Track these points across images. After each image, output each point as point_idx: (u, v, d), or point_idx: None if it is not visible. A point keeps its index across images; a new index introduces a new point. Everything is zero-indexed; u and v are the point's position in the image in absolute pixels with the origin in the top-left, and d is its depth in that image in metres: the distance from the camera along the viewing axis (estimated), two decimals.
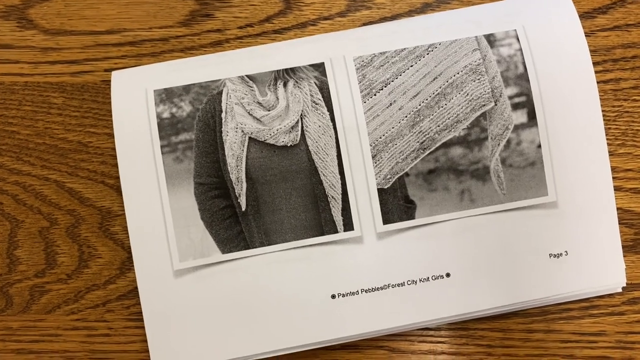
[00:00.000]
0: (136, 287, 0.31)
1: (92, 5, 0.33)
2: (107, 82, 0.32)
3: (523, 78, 0.29)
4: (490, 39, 0.30)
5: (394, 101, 0.29)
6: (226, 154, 0.29)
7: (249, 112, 0.29)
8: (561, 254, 0.29)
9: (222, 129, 0.29)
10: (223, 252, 0.29)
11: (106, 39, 0.33)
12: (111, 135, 0.32)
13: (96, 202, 0.32)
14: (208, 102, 0.29)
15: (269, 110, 0.29)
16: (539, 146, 0.30)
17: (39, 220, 0.32)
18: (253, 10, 0.33)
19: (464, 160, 0.29)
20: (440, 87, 0.29)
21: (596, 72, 0.32)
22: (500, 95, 0.29)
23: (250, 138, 0.29)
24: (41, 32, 0.33)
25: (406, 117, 0.29)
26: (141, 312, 0.31)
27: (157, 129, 0.29)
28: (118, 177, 0.31)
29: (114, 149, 0.31)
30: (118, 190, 0.32)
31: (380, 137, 0.29)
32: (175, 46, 0.33)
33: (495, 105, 0.29)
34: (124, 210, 0.31)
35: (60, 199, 0.32)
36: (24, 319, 0.32)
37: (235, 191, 0.29)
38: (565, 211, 0.30)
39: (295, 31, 0.33)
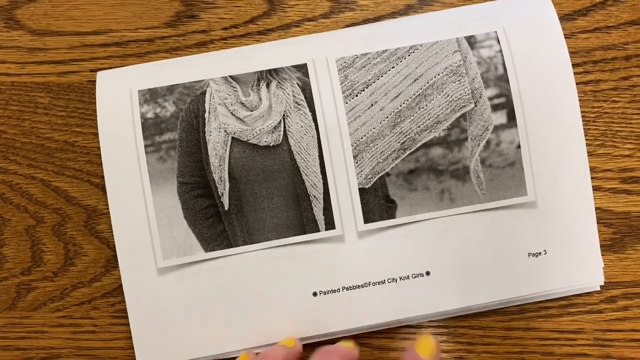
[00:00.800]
0: (121, 285, 0.32)
1: (78, 6, 0.34)
2: (93, 82, 0.33)
3: (503, 79, 0.30)
4: (471, 41, 0.31)
5: (375, 102, 0.30)
6: (209, 153, 0.30)
7: (232, 112, 0.30)
8: (540, 253, 0.30)
9: (206, 129, 0.30)
10: (206, 250, 0.30)
11: (92, 39, 0.33)
12: (97, 135, 0.32)
13: (82, 200, 0.33)
14: (192, 102, 0.30)
15: (252, 111, 0.30)
16: (519, 147, 0.30)
17: (25, 218, 0.33)
18: (238, 11, 0.34)
19: (444, 161, 0.30)
20: (421, 89, 0.30)
21: (576, 73, 0.33)
22: (480, 97, 0.30)
23: (233, 138, 0.30)
24: (28, 33, 0.33)
25: (387, 117, 0.30)
26: (126, 310, 0.31)
27: (141, 128, 0.30)
28: (103, 176, 0.32)
29: (99, 148, 0.32)
30: (103, 189, 0.32)
31: (362, 138, 0.30)
32: (161, 47, 0.33)
33: (475, 106, 0.30)
34: (109, 208, 0.32)
35: (47, 198, 0.33)
36: (10, 315, 0.32)
37: (218, 190, 0.30)
38: (544, 211, 0.30)
39: (279, 32, 0.33)
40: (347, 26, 0.33)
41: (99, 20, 0.34)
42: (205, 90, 0.30)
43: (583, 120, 0.33)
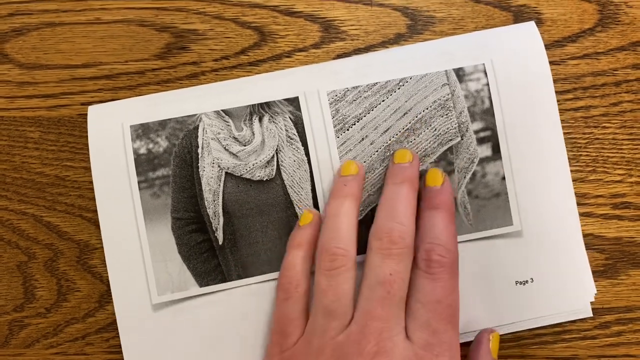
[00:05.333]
0: (115, 320, 0.36)
1: (67, 39, 0.39)
2: (84, 116, 0.38)
3: (489, 113, 0.36)
4: (460, 73, 0.36)
5: (366, 136, 0.36)
6: (203, 189, 0.35)
7: (225, 147, 0.35)
8: (527, 281, 0.36)
9: (199, 164, 0.35)
10: (200, 285, 0.35)
11: (82, 72, 0.38)
12: (88, 169, 0.37)
13: (74, 235, 0.38)
14: (184, 137, 0.36)
15: (245, 146, 0.35)
16: (504, 178, 0.36)
17: (17, 254, 0.38)
18: (228, 42, 0.39)
19: None
20: (409, 123, 0.36)
21: (567, 100, 0.38)
22: (467, 130, 0.36)
23: (226, 173, 0.35)
24: (17, 67, 0.38)
25: (377, 151, 0.35)
26: (121, 345, 0.36)
27: (134, 165, 0.35)
28: (96, 211, 0.37)
29: (91, 182, 0.37)
30: (96, 224, 0.37)
31: None
32: (152, 79, 0.38)
33: (462, 139, 0.36)
34: (102, 243, 0.37)
35: (38, 233, 0.38)
36: (3, 353, 0.37)
37: (212, 225, 0.35)
38: (530, 240, 0.36)
39: (271, 63, 0.39)
40: (338, 56, 0.39)
41: (89, 53, 0.39)
42: (198, 125, 0.36)
43: (574, 147, 0.38)
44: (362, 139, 0.36)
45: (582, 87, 0.39)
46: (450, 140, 0.36)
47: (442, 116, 0.36)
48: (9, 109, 0.38)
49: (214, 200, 0.35)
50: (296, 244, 0.34)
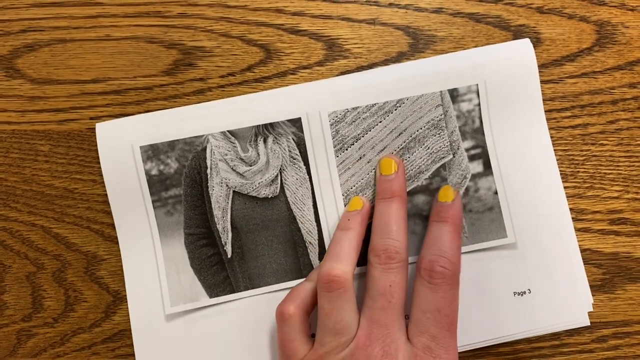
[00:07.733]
0: (121, 330, 0.40)
1: (77, 55, 0.43)
2: (93, 130, 0.42)
3: (479, 132, 0.41)
4: (454, 94, 0.40)
5: (363, 155, 0.40)
6: (213, 206, 0.40)
7: (232, 168, 0.40)
8: (525, 292, 0.39)
9: (208, 184, 0.40)
10: (210, 296, 0.39)
11: (91, 87, 0.42)
12: (96, 182, 0.41)
13: (82, 247, 0.41)
14: (193, 158, 0.40)
15: (251, 166, 0.40)
16: (496, 193, 0.40)
17: (25, 265, 0.41)
18: (235, 59, 0.43)
19: (428, 207, 0.40)
20: (404, 142, 0.40)
21: (564, 117, 0.42)
22: (458, 148, 0.41)
23: (234, 191, 0.40)
24: (28, 82, 0.42)
25: (374, 169, 0.40)
26: (127, 355, 0.40)
27: (148, 185, 0.40)
28: (103, 223, 0.41)
29: (99, 194, 0.41)
30: (103, 236, 0.41)
31: (352, 188, 0.40)
32: (159, 95, 0.42)
33: (454, 157, 0.40)
34: (109, 255, 0.41)
35: (47, 244, 0.41)
36: None
37: (222, 240, 0.40)
38: (525, 251, 0.40)
39: (276, 80, 0.42)
40: (342, 73, 0.42)
41: (98, 69, 0.43)
42: (206, 147, 0.40)
43: (572, 164, 0.42)
44: (360, 157, 0.40)
45: (579, 105, 0.43)
46: (443, 157, 0.40)
47: (435, 135, 0.40)
48: (20, 122, 0.42)
49: (223, 217, 0.40)
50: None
